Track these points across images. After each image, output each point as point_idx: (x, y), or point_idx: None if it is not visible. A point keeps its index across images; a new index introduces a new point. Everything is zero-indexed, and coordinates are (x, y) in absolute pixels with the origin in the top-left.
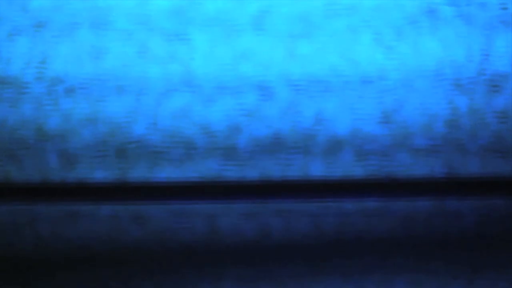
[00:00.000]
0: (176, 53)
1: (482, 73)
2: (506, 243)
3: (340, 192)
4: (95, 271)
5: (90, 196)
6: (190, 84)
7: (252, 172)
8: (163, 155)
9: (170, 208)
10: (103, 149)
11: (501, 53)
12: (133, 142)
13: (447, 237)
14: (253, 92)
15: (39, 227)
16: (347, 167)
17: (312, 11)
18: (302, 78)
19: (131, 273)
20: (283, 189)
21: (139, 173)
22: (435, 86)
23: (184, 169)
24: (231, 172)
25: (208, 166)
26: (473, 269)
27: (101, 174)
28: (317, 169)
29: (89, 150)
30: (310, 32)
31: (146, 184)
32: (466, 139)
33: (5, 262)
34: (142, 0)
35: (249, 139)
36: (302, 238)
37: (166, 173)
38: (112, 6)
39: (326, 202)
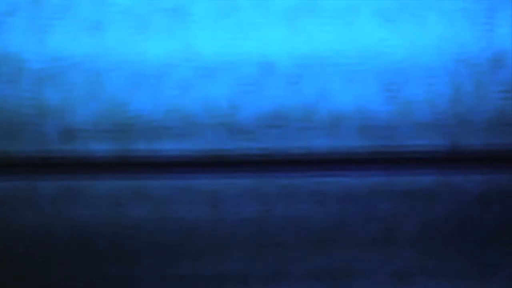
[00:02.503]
0: (177, 28)
1: (486, 48)
2: (510, 218)
3: (343, 168)
4: (95, 248)
5: (90, 172)
6: (191, 59)
7: (254, 147)
8: (164, 130)
9: (171, 183)
10: (103, 124)
11: (505, 29)
12: (134, 118)
13: (450, 212)
14: (254, 67)
15: (39, 204)
16: (350, 143)
17: None
18: (305, 53)
19: (132, 250)
20: (285, 165)
21: (139, 149)
22: (438, 61)
23: (185, 145)
24: (233, 147)
25: (209, 142)
26: (477, 243)
27: (101, 149)
28: (320, 145)
29: (89, 126)
30: (313, 7)
31: (147, 160)
32: (470, 114)
33: (5, 238)
34: None
35: (250, 115)
36: (304, 214)
37: (167, 148)
38: None
39: (328, 177)
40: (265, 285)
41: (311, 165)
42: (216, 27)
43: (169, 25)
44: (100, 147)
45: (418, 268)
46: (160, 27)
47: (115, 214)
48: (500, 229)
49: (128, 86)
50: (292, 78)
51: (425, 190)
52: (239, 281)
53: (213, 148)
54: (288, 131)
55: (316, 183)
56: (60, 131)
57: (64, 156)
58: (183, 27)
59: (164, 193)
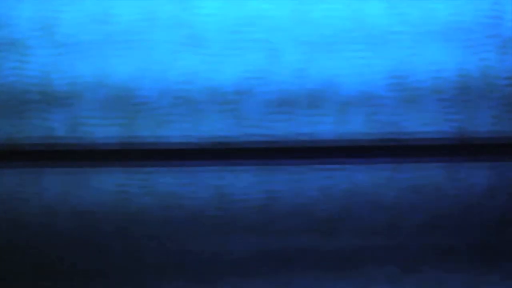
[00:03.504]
0: (183, 15)
1: (493, 35)
2: None
3: (349, 155)
4: (100, 235)
5: (96, 160)
6: (198, 46)
7: (260, 134)
8: (170, 117)
9: (177, 171)
10: (109, 111)
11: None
12: (140, 105)
13: (457, 201)
14: (261, 53)
15: (44, 191)
16: (357, 130)
17: None
18: (310, 40)
19: (137, 238)
20: (291, 152)
21: (146, 135)
22: (445, 47)
23: (192, 132)
24: (239, 134)
25: (215, 128)
26: (484, 233)
27: (107, 136)
28: (326, 132)
29: (96, 113)
30: None
31: (152, 147)
32: (476, 101)
33: (10, 226)
34: None
35: (257, 101)
36: (310, 202)
37: (173, 135)
38: None
39: (334, 164)
40: (270, 273)
41: (317, 152)
42: (222, 14)
43: (175, 12)
44: (106, 134)
45: (424, 259)
46: (166, 14)
47: (121, 202)
48: (507, 218)
49: (134, 73)
50: (298, 65)
51: (432, 179)
52: (245, 269)
53: (219, 135)
54: (293, 118)
55: (322, 170)
56: (66, 118)
57: (70, 143)
58: (190, 13)
59: (169, 181)
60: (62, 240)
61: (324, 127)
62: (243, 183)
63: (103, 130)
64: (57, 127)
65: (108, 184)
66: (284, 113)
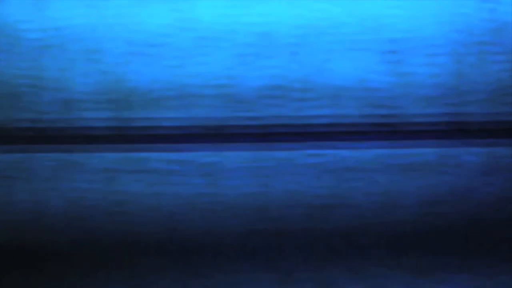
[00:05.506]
0: (176, 1)
1: (488, 19)
2: None
3: (343, 140)
4: (91, 220)
5: (87, 144)
6: (190, 29)
7: (253, 120)
8: (162, 101)
9: (168, 155)
10: (101, 96)
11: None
12: (132, 89)
13: (452, 185)
14: (254, 38)
15: (35, 176)
16: (350, 114)
17: None
18: (305, 24)
19: (128, 223)
20: (285, 136)
21: (138, 121)
22: (440, 31)
23: (183, 115)
24: (232, 120)
25: (207, 112)
26: (479, 216)
27: (99, 122)
28: (320, 116)
29: (87, 97)
30: None
31: (144, 132)
32: (471, 85)
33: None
34: None
35: (249, 86)
36: (303, 187)
37: (166, 121)
38: None
39: (328, 149)
40: (263, 259)
41: (311, 136)
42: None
43: None
44: (97, 120)
45: (418, 242)
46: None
47: (112, 186)
48: (502, 201)
49: (125, 58)
50: (292, 49)
51: (426, 162)
52: (238, 255)
53: (211, 122)
54: (287, 103)
55: (315, 155)
56: (57, 103)
57: (61, 128)
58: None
59: (161, 166)
60: (52, 226)
61: (318, 110)
62: (235, 166)
63: (95, 114)
64: (47, 112)
65: (99, 168)
66: (277, 97)
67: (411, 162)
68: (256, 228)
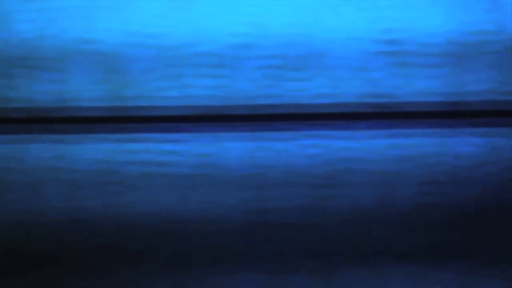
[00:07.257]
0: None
1: (489, 8)
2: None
3: (340, 128)
4: (87, 208)
5: (82, 128)
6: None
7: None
8: (158, 83)
9: (164, 142)
10: (97, 76)
11: None
12: (127, 66)
13: (449, 174)
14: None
15: (29, 163)
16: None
17: None
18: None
19: (124, 209)
20: (282, 124)
21: (136, 101)
22: (437, 20)
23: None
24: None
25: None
26: (476, 206)
27: (95, 103)
28: (317, 104)
29: (82, 76)
30: None
31: (144, 114)
32: (469, 74)
33: None
34: None
35: (244, 69)
36: (301, 176)
37: (160, 102)
38: None
39: (325, 139)
40: (261, 258)
41: (308, 125)
42: None
43: None
44: (93, 101)
45: (417, 231)
46: None
47: (107, 174)
48: (499, 191)
49: (121, 37)
50: (288, 39)
51: (423, 151)
52: (236, 242)
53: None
54: (284, 89)
55: (312, 146)
56: (51, 84)
57: (55, 110)
58: None
59: (156, 148)
60: (47, 213)
61: (315, 99)
62: (231, 153)
63: (90, 97)
64: (41, 92)
65: (94, 154)
66: (275, 86)
67: (407, 151)
68: (251, 211)
